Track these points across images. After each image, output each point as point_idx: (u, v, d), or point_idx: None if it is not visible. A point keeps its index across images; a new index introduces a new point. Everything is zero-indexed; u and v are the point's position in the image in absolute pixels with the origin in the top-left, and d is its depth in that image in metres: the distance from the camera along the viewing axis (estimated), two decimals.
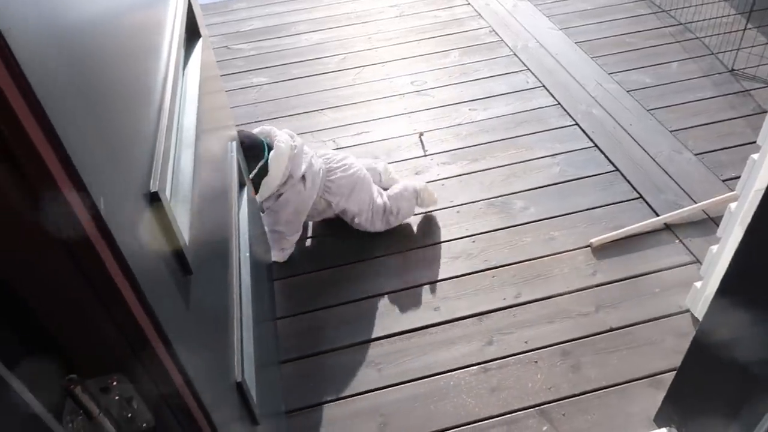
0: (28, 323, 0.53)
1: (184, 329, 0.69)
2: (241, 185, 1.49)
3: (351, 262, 2.03)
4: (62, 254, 0.50)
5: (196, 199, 0.88)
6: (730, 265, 1.09)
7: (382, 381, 1.68)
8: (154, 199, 0.64)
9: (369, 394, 1.66)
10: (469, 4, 3.60)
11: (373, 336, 1.80)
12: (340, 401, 1.64)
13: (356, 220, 2.05)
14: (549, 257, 2.00)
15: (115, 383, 0.63)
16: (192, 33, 1.22)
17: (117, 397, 0.64)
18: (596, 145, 2.43)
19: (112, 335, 0.57)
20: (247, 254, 1.27)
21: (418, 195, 2.10)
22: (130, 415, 0.67)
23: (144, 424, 0.69)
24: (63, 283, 0.51)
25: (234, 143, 1.45)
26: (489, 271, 1.97)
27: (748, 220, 1.01)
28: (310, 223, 2.19)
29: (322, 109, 2.79)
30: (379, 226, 2.07)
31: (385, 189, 2.13)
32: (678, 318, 1.77)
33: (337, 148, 2.54)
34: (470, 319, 1.83)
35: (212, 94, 1.29)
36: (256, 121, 2.75)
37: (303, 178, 1.90)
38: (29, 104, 0.42)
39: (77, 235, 0.48)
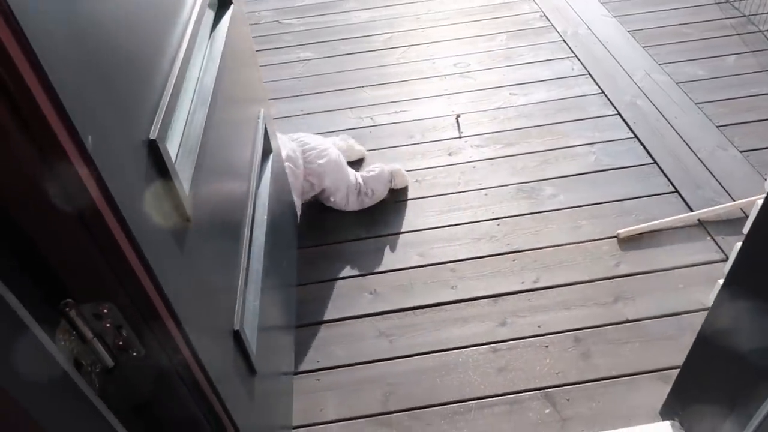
0: (26, 248, 0.60)
1: (175, 269, 0.75)
2: (266, 152, 1.55)
3: (375, 236, 2.08)
4: (55, 187, 0.56)
5: (207, 153, 0.94)
6: (736, 256, 1.07)
7: (392, 352, 1.73)
8: (152, 146, 0.70)
9: (378, 363, 1.71)
10: None
11: (388, 308, 1.84)
12: (349, 367, 1.70)
13: (332, 199, 2.11)
14: (573, 245, 1.98)
15: (106, 311, 0.69)
16: (223, 2, 1.27)
17: (108, 324, 0.71)
18: (636, 137, 2.38)
19: (103, 266, 0.64)
20: (264, 216, 1.33)
21: (393, 177, 2.18)
22: (120, 342, 0.74)
23: (134, 353, 0.76)
24: (56, 214, 0.57)
25: (263, 112, 1.51)
26: (510, 255, 1.97)
27: None
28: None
29: (363, 86, 2.83)
30: (353, 206, 2.13)
31: (353, 162, 2.24)
32: (699, 315, 1.73)
33: (374, 125, 2.58)
34: (486, 299, 1.84)
35: (240, 62, 1.35)
36: (299, 95, 2.82)
37: (287, 158, 1.97)
38: (19, 42, 0.47)
39: (66, 171, 0.54)
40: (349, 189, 2.11)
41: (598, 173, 2.24)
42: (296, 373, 1.68)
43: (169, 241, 0.74)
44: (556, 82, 2.73)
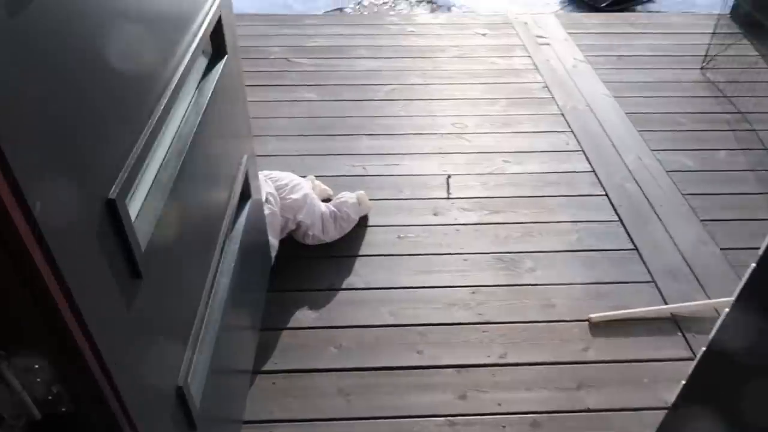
0: None
1: (118, 327, 0.75)
2: (245, 196, 1.55)
3: (348, 288, 2.07)
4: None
5: (176, 207, 0.94)
6: (699, 361, 1.08)
7: (348, 412, 1.70)
8: (110, 205, 0.70)
9: (333, 422, 1.68)
10: (529, 56, 3.63)
11: (351, 366, 1.82)
12: (302, 423, 1.67)
13: (310, 232, 2.14)
14: (544, 324, 1.97)
15: (37, 366, 0.68)
16: (218, 51, 1.29)
17: (39, 379, 0.70)
18: (621, 220, 2.40)
19: (37, 322, 0.63)
20: (232, 264, 1.33)
21: (359, 201, 2.29)
22: (50, 397, 0.72)
23: (63, 408, 0.74)
24: None
25: (246, 157, 1.52)
26: (481, 326, 1.96)
27: None
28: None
29: (361, 134, 2.86)
30: (332, 233, 2.19)
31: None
32: (661, 414, 1.71)
33: (366, 175, 2.60)
34: (450, 369, 1.83)
35: (227, 111, 1.36)
36: (297, 135, 2.85)
37: (266, 200, 2.00)
38: None
39: (8, 230, 0.54)
40: (324, 219, 2.16)
41: (578, 253, 2.25)
42: (246, 422, 1.65)
43: (113, 299, 0.73)
44: (550, 154, 2.77)
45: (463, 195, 2.51)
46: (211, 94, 1.16)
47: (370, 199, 2.44)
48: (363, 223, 2.34)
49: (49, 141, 0.59)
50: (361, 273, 2.13)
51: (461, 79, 3.35)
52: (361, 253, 2.21)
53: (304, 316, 1.97)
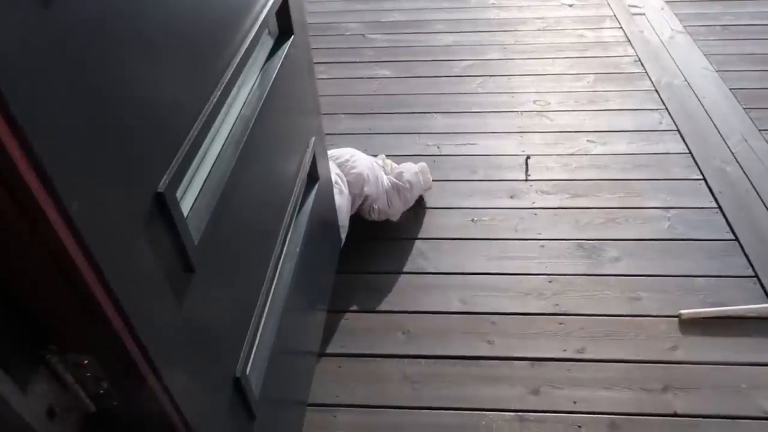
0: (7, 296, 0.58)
1: (168, 322, 0.73)
2: (313, 179, 1.52)
3: (418, 272, 2.01)
4: (40, 249, 0.54)
5: (234, 196, 0.91)
6: None
7: (414, 401, 1.66)
8: (159, 199, 0.67)
9: (397, 410, 1.64)
10: (621, 28, 3.37)
11: (419, 353, 1.77)
12: (367, 409, 1.64)
13: (375, 206, 2.09)
14: (628, 318, 1.83)
15: (87, 362, 0.67)
16: (284, 30, 1.25)
17: (89, 375, 0.69)
18: (720, 207, 2.18)
19: (84, 320, 0.61)
20: (297, 249, 1.30)
21: (420, 171, 2.22)
22: (101, 392, 0.71)
23: (115, 402, 0.73)
24: (37, 267, 0.56)
25: (315, 138, 1.48)
26: (557, 317, 1.85)
27: None
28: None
29: (434, 112, 2.77)
30: (398, 206, 2.14)
31: None
32: (760, 424, 1.55)
33: (439, 155, 2.51)
34: (522, 362, 1.74)
35: (292, 93, 1.32)
36: (370, 112, 2.80)
37: (335, 182, 1.96)
38: None
39: (48, 233, 0.52)
40: (388, 192, 2.12)
41: (669, 242, 2.07)
42: (311, 405, 1.64)
43: (164, 295, 0.71)
44: (640, 134, 2.56)
45: (542, 177, 2.37)
46: (275, 77, 1.12)
47: (443, 180, 2.36)
48: (434, 204, 2.27)
49: (90, 133, 0.56)
50: (431, 257, 2.06)
51: (544, 54, 3.16)
52: (431, 236, 2.14)
53: (371, 299, 1.94)
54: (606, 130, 2.60)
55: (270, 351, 1.12)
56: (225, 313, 0.92)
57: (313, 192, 1.50)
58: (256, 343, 1.05)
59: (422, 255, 2.07)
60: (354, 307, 1.91)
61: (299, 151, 1.37)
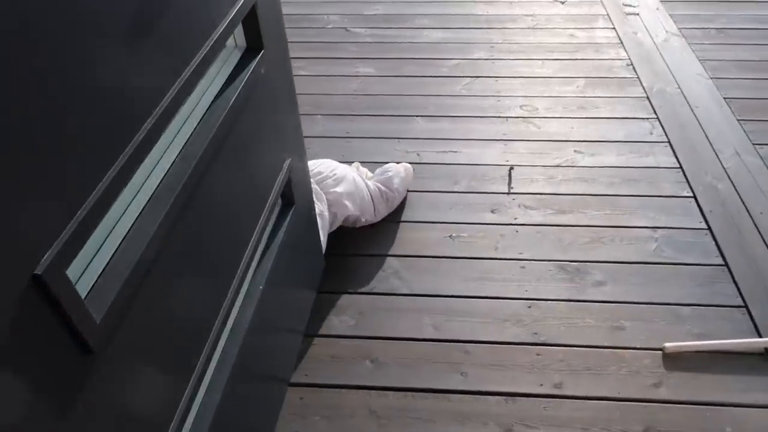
0: None
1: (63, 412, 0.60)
2: (287, 203, 1.38)
3: (390, 293, 1.89)
4: None
5: (160, 250, 0.78)
6: None
7: None
8: (37, 281, 0.55)
9: None
10: (614, 28, 3.24)
11: (387, 384, 1.66)
12: None
13: (362, 219, 2.03)
14: (609, 350, 1.73)
15: None
16: (252, 46, 1.10)
17: None
18: (710, 228, 2.08)
19: None
20: (260, 287, 1.18)
21: (405, 173, 2.17)
22: None
23: None
24: None
25: (290, 161, 1.33)
26: (535, 347, 1.74)
27: None
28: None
29: (417, 116, 2.64)
30: (383, 212, 2.07)
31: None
32: None
33: (419, 162, 2.38)
34: (496, 397, 1.63)
35: (264, 114, 1.18)
36: (349, 114, 2.66)
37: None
38: None
39: None
40: (375, 200, 2.03)
41: (655, 266, 1.96)
42: None
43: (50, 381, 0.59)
44: (630, 145, 2.45)
45: (525, 190, 2.25)
46: (234, 101, 0.98)
47: (422, 191, 2.24)
48: (411, 217, 2.14)
49: None
50: (405, 276, 1.95)
51: (533, 54, 3.03)
52: (406, 252, 2.02)
53: (340, 322, 1.82)
54: (595, 139, 2.49)
55: (215, 409, 0.99)
56: (151, 381, 0.79)
57: (288, 217, 1.36)
58: (196, 405, 0.93)
59: (396, 274, 1.95)
60: (320, 331, 1.79)
61: (267, 177, 1.24)
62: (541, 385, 1.65)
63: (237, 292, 1.07)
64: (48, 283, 0.55)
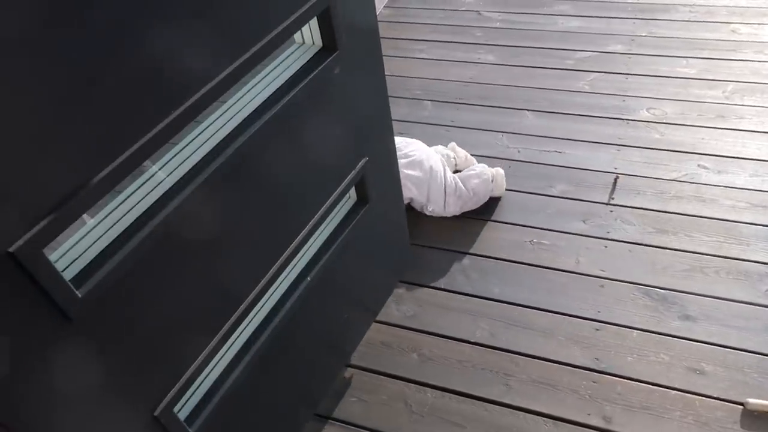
0: None
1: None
2: (361, 202, 1.43)
3: (451, 290, 1.87)
4: None
5: (178, 223, 0.87)
6: None
7: None
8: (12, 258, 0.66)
9: None
10: None
11: (429, 381, 1.65)
12: (360, 430, 1.58)
13: (430, 208, 2.02)
14: (678, 392, 1.55)
15: None
16: (328, 44, 1.14)
17: None
18: None
19: None
20: (308, 279, 1.25)
21: (493, 178, 2.07)
22: None
23: None
24: None
25: (366, 160, 1.36)
26: (593, 374, 1.62)
27: None
28: None
29: (528, 110, 2.51)
30: (453, 209, 2.04)
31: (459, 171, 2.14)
32: None
33: (518, 160, 2.29)
34: (537, 417, 1.55)
35: (335, 115, 1.22)
36: (458, 102, 2.61)
37: None
38: None
39: None
40: (448, 193, 2.01)
41: (763, 309, 1.71)
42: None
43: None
44: None
45: (628, 203, 2.06)
46: (293, 96, 1.03)
47: (513, 190, 2.15)
48: (495, 215, 2.08)
49: None
50: (472, 276, 1.90)
51: (678, 50, 2.71)
52: (480, 251, 1.97)
53: (397, 311, 1.84)
54: (727, 155, 2.19)
55: (219, 395, 1.08)
56: (159, 353, 0.90)
57: (360, 215, 1.41)
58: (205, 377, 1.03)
59: (463, 271, 1.92)
60: (378, 317, 1.83)
61: (333, 173, 1.28)
62: (589, 414, 1.54)
63: (273, 281, 1.13)
64: (22, 261, 0.66)
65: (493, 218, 2.08)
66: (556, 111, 2.49)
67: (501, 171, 2.12)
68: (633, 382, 1.59)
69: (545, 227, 2.02)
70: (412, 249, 2.00)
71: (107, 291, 0.79)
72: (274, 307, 1.20)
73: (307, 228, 1.22)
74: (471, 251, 1.98)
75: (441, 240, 2.03)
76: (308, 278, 1.27)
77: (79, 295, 0.76)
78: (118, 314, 0.84)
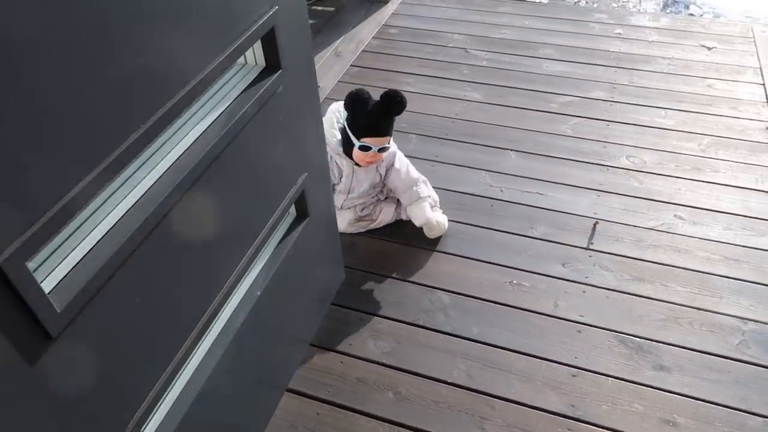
0: None
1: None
2: (300, 216, 1.43)
3: (430, 328, 1.86)
4: None
5: (142, 244, 0.85)
6: None
7: None
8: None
9: None
10: (763, 85, 2.90)
11: (404, 421, 1.63)
12: None
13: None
14: None
15: None
16: (271, 65, 1.16)
17: None
18: None
19: None
20: (259, 292, 1.23)
21: (427, 223, 2.07)
22: None
23: None
24: None
25: (305, 176, 1.38)
26: (568, 421, 1.62)
27: None
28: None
29: (511, 150, 2.55)
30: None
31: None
32: None
33: (499, 199, 2.31)
34: None
35: (278, 132, 1.23)
36: (442, 137, 2.63)
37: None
38: None
39: None
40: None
41: (735, 363, 1.74)
42: None
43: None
44: (744, 221, 2.18)
45: (606, 249, 2.09)
46: (242, 115, 1.03)
47: (494, 230, 2.17)
48: (475, 254, 2.08)
49: None
50: (453, 314, 1.90)
51: (658, 101, 2.80)
52: (460, 290, 1.97)
53: (375, 347, 1.82)
54: (703, 207, 2.24)
55: (187, 409, 1.05)
56: (116, 371, 0.86)
57: (300, 229, 1.41)
58: (167, 397, 1.00)
59: (444, 310, 1.91)
60: (354, 352, 1.81)
61: (277, 188, 1.29)
62: None
63: (228, 295, 1.12)
64: (7, 273, 0.63)
65: (470, 256, 2.08)
66: (540, 153, 2.53)
67: (443, 220, 2.11)
68: (607, 431, 1.60)
69: (526, 269, 2.03)
70: (392, 282, 2.00)
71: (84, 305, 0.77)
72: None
73: (256, 243, 1.23)
74: (452, 289, 1.97)
75: (421, 276, 2.02)
76: (258, 293, 1.28)
77: (58, 310, 0.73)
78: (93, 329, 0.81)
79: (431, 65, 3.13)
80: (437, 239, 2.13)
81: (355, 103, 1.84)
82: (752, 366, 1.73)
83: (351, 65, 3.11)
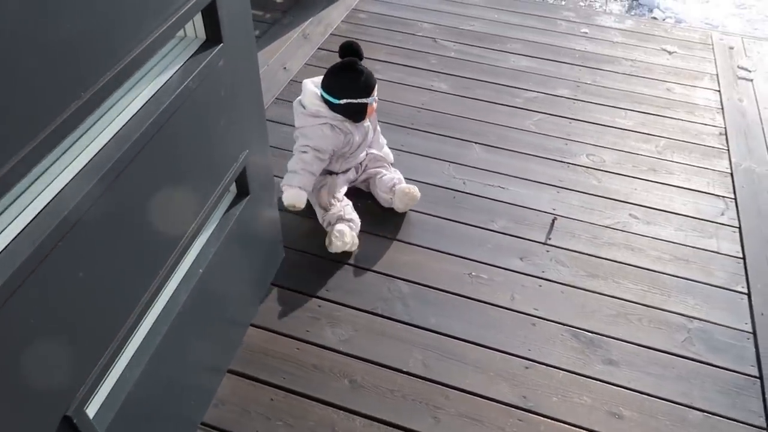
0: None
1: None
2: (242, 193, 1.41)
3: (387, 317, 1.86)
4: None
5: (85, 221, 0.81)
6: None
7: None
8: None
9: None
10: (718, 91, 2.99)
11: (358, 409, 1.63)
12: None
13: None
14: None
15: None
16: (212, 38, 1.13)
17: None
18: (755, 333, 1.88)
19: None
20: (200, 271, 1.21)
21: (395, 192, 2.14)
22: None
23: None
24: None
25: (247, 153, 1.36)
26: (519, 411, 1.66)
27: None
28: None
29: (476, 143, 2.57)
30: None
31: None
32: None
33: (462, 192, 2.32)
34: None
35: (219, 108, 1.21)
36: (409, 127, 2.63)
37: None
38: None
39: None
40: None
41: (679, 359, 1.80)
42: None
43: None
44: (694, 222, 2.26)
45: (563, 244, 2.14)
46: (183, 89, 1.00)
47: (456, 221, 2.18)
48: (436, 245, 2.09)
49: None
50: (411, 304, 1.91)
51: (619, 102, 2.86)
52: (420, 280, 1.98)
53: (333, 334, 1.81)
54: (656, 207, 2.31)
55: (122, 399, 1.02)
56: (52, 354, 0.83)
57: (241, 207, 1.39)
58: (109, 376, 0.97)
59: (402, 299, 1.92)
60: (312, 339, 1.80)
61: (219, 165, 1.27)
62: None
63: (169, 274, 1.10)
64: None
65: (431, 247, 2.09)
66: (503, 147, 2.55)
67: (414, 190, 2.13)
68: (556, 422, 1.64)
69: (485, 261, 2.06)
70: (352, 270, 1.99)
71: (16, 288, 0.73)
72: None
73: (198, 219, 1.21)
74: (411, 279, 1.98)
75: (382, 264, 2.02)
76: (200, 270, 1.27)
77: None
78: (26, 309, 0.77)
79: (399, 53, 3.11)
80: (398, 228, 2.13)
81: (346, 73, 2.03)
82: (695, 362, 1.80)
83: (319, 48, 3.07)
